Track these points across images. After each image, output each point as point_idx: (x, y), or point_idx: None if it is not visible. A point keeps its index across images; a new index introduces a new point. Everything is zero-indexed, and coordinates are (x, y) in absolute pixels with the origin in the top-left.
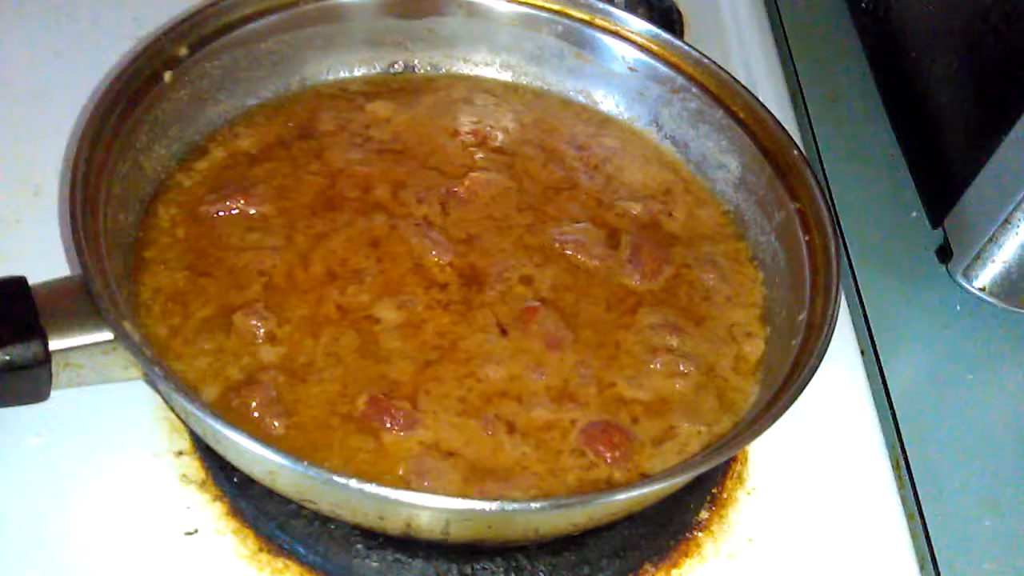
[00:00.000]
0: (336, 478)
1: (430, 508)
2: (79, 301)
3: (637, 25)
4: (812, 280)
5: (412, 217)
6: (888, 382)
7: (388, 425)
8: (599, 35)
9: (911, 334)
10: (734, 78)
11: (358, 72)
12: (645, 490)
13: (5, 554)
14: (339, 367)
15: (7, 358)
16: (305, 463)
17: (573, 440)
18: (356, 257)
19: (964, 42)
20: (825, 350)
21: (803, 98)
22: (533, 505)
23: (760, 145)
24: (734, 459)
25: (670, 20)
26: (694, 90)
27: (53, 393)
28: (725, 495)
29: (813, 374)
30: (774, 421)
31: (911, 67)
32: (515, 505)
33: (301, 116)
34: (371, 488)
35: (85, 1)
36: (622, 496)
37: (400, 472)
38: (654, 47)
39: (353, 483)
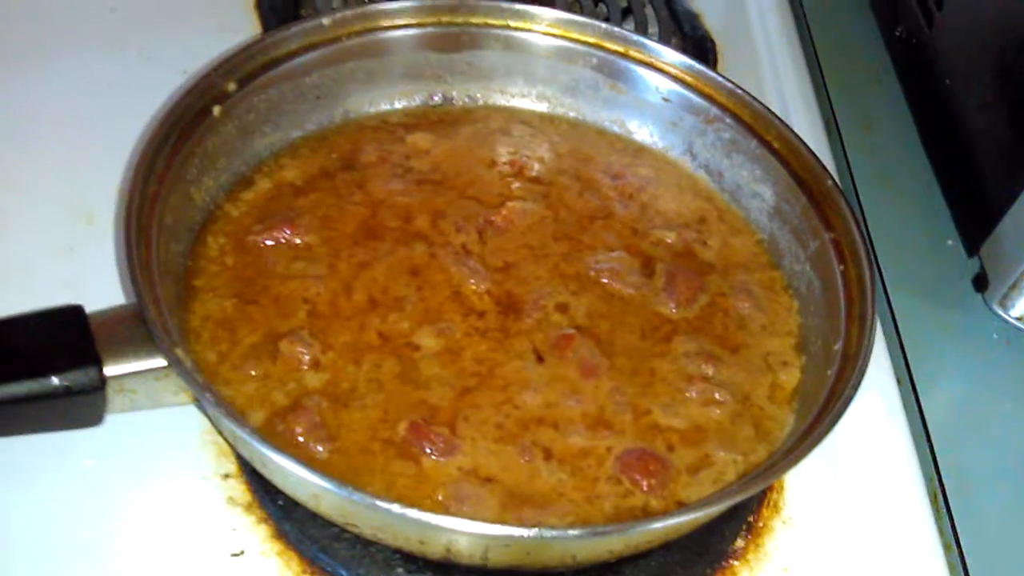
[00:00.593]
0: (379, 503)
1: (470, 534)
2: (133, 328)
3: (671, 57)
4: (847, 310)
5: (451, 246)
6: (925, 411)
7: (428, 451)
8: (633, 67)
9: (948, 363)
10: (768, 108)
11: (398, 104)
12: (681, 519)
13: (58, 573)
14: (380, 393)
15: (64, 383)
16: (349, 488)
17: (609, 467)
18: (397, 285)
19: (999, 70)
20: (860, 380)
21: (837, 126)
22: (570, 532)
23: (794, 174)
24: (770, 488)
25: (704, 49)
26: (728, 120)
27: (106, 417)
28: (761, 524)
29: (848, 404)
30: (809, 451)
31: (946, 95)
32: (553, 532)
33: (344, 148)
34: (413, 513)
35: (134, 35)
36: (659, 525)
37: (439, 497)
38: (688, 78)
39: (396, 508)
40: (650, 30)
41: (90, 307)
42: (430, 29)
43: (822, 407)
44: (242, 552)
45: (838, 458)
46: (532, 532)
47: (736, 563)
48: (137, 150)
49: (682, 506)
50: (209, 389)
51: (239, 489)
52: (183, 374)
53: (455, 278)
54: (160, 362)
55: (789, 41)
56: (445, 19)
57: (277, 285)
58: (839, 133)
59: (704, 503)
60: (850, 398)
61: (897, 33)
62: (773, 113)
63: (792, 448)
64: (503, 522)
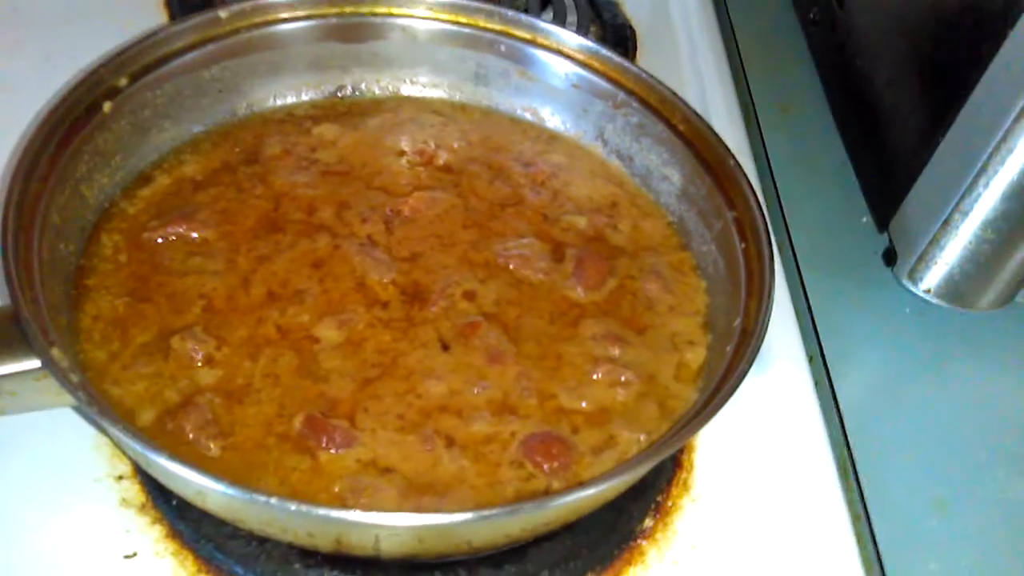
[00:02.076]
0: (256, 496)
1: (355, 523)
2: (9, 329)
3: (576, 42)
4: (748, 286)
5: (355, 237)
6: (836, 387)
7: (324, 444)
8: (541, 53)
9: (859, 338)
10: (672, 92)
11: (305, 97)
12: (569, 498)
13: None
14: (277, 388)
15: None
16: (225, 482)
17: (512, 452)
18: (298, 278)
19: (904, 50)
20: (756, 354)
21: (755, 110)
22: (455, 518)
23: (699, 156)
24: (679, 467)
25: (623, 37)
26: (635, 104)
27: None
28: (670, 503)
29: (743, 378)
30: (700, 427)
31: (857, 75)
32: (435, 519)
33: (247, 141)
34: (291, 505)
35: (36, 36)
36: (551, 504)
37: (336, 490)
38: (595, 63)
39: (273, 500)
40: (568, 19)
41: None
42: (332, 20)
43: (719, 382)
44: (135, 554)
45: (749, 436)
46: (406, 518)
47: (644, 543)
48: (19, 148)
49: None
50: (84, 388)
51: (132, 490)
52: (55, 374)
53: (359, 269)
54: (36, 363)
55: (708, 27)
56: (348, 9)
57: (172, 282)
58: (756, 117)
59: (595, 481)
60: (745, 371)
61: (811, 16)
62: (678, 96)
63: (685, 424)
64: (400, 511)
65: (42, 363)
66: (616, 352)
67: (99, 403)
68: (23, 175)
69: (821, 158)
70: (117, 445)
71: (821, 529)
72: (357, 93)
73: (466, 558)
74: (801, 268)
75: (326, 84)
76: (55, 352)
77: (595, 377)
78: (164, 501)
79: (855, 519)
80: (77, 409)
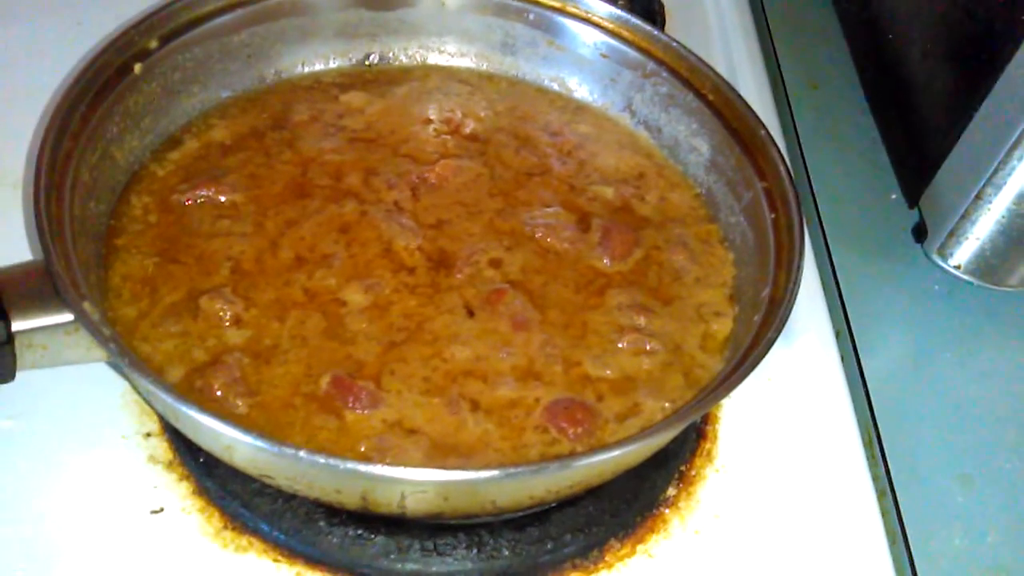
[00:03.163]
0: (285, 449)
1: (383, 477)
2: (41, 283)
3: (605, 10)
4: (777, 257)
5: (382, 203)
6: (863, 362)
7: (351, 404)
8: (569, 22)
9: (887, 314)
10: (702, 60)
11: (333, 64)
12: (593, 459)
13: None
14: (304, 349)
15: None
16: (254, 434)
17: (537, 417)
18: (325, 242)
19: (938, 24)
20: (784, 322)
21: (784, 85)
22: (481, 475)
23: (728, 126)
24: (703, 438)
25: (651, 10)
26: (664, 74)
27: (26, 376)
28: (693, 472)
29: (770, 346)
30: (726, 394)
31: (889, 51)
32: (462, 475)
33: (275, 107)
34: (319, 458)
35: (69, 2)
36: (576, 464)
37: (362, 449)
38: (624, 32)
39: (302, 453)
40: None
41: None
42: None
43: (746, 350)
44: (162, 509)
45: (774, 409)
46: (435, 474)
47: (667, 511)
48: (51, 107)
49: None
50: (115, 340)
51: (160, 447)
52: (87, 326)
53: (386, 235)
54: (68, 316)
55: (737, 2)
56: None
57: (201, 243)
58: (786, 92)
59: (619, 444)
60: (772, 340)
61: None
62: (708, 66)
63: (711, 391)
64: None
65: (74, 316)
66: (642, 321)
67: (130, 355)
68: (55, 133)
69: (850, 134)
70: (146, 400)
71: (845, 503)
72: (385, 61)
73: (489, 520)
74: (830, 244)
75: (354, 52)
76: (87, 305)
77: (620, 346)
78: (191, 458)
79: (880, 493)
80: (108, 364)
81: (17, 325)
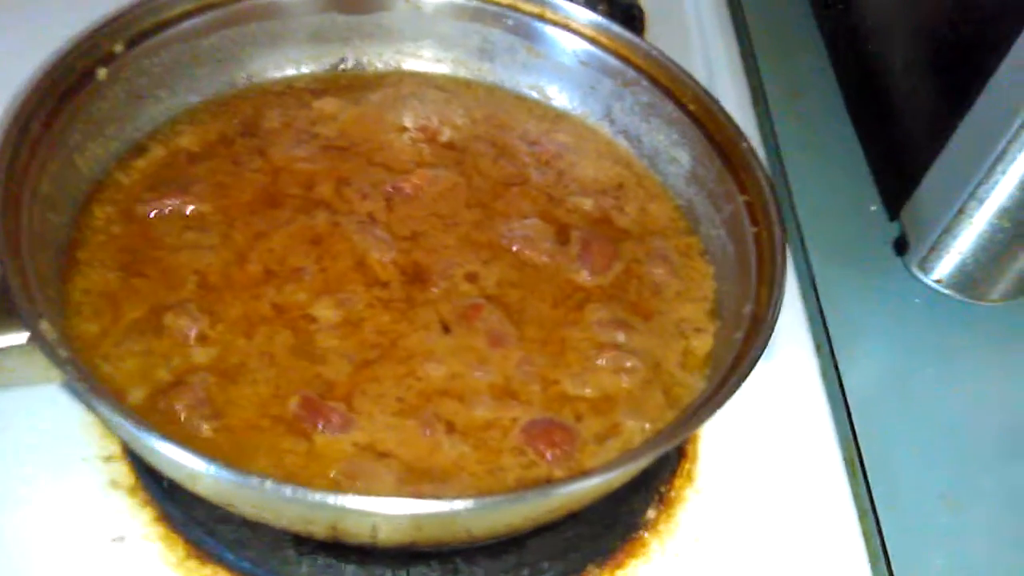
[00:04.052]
0: (250, 479)
1: (350, 509)
2: None
3: (586, 17)
4: (759, 272)
5: (355, 214)
6: (843, 377)
7: (320, 427)
8: (549, 28)
9: (868, 328)
10: (683, 70)
11: (306, 69)
12: (572, 487)
13: None
14: (272, 368)
15: None
16: (217, 463)
17: (514, 439)
18: (295, 255)
19: (920, 34)
20: (767, 341)
21: (764, 94)
22: (455, 505)
23: (710, 137)
24: (683, 457)
25: (631, 17)
26: (644, 83)
27: None
28: (673, 494)
29: (754, 366)
30: (711, 415)
31: (869, 61)
32: (435, 505)
33: (246, 113)
34: (286, 489)
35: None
36: (554, 492)
37: (332, 474)
38: (604, 40)
39: (268, 484)
40: None
41: None
42: None
43: (728, 370)
44: (123, 537)
45: (754, 426)
46: (410, 505)
47: (646, 534)
48: (8, 114)
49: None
50: (72, 362)
51: (122, 471)
52: (43, 348)
53: (359, 247)
54: (23, 337)
55: (717, 8)
56: None
57: (166, 256)
58: (766, 100)
59: (600, 470)
60: (756, 359)
61: None
62: (689, 75)
63: (694, 412)
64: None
65: (30, 336)
66: (621, 338)
67: (88, 379)
68: (13, 142)
69: (832, 144)
70: (106, 424)
71: (827, 522)
72: (359, 67)
73: (464, 547)
74: (810, 256)
75: (327, 57)
76: (43, 325)
77: (599, 363)
78: (154, 483)
79: (861, 512)
80: (66, 385)
81: None
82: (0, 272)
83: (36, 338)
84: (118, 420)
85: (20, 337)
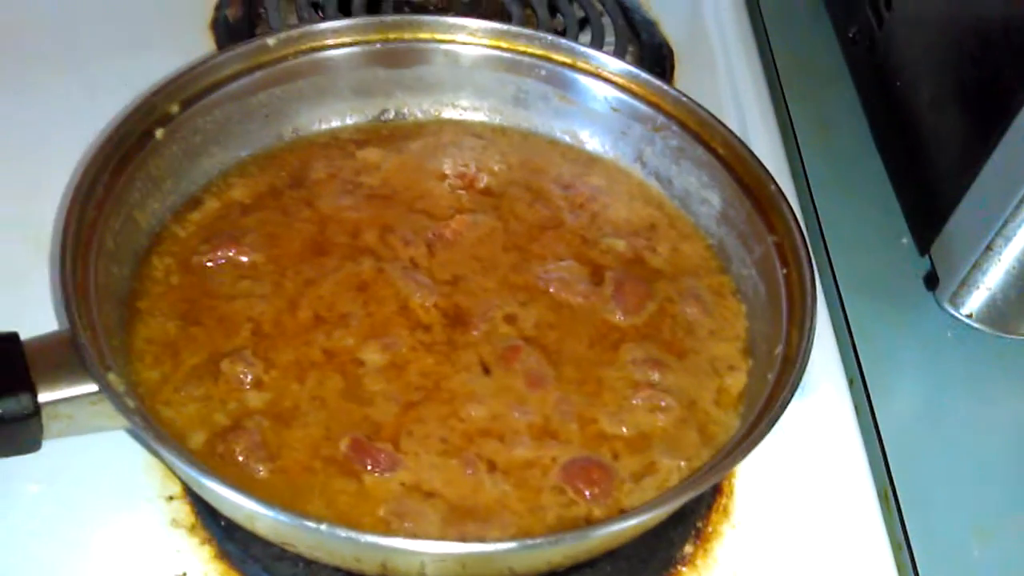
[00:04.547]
0: (306, 522)
1: (400, 550)
2: (68, 354)
3: (617, 66)
4: (789, 314)
5: (399, 260)
6: (876, 411)
7: (369, 467)
8: (581, 77)
9: (900, 363)
10: (712, 114)
11: (349, 121)
12: (612, 528)
13: None
14: (323, 411)
15: None
16: (276, 508)
17: (553, 477)
18: (343, 301)
19: (947, 69)
20: (798, 383)
21: (793, 130)
22: (499, 547)
23: (739, 180)
24: (719, 493)
25: (660, 57)
26: (674, 128)
27: (49, 442)
28: (710, 528)
29: (785, 408)
30: (743, 457)
31: (897, 96)
32: (480, 547)
33: (293, 165)
34: (340, 531)
35: (87, 59)
36: (594, 534)
37: (381, 513)
38: (635, 87)
39: (323, 527)
40: (607, 39)
41: (32, 333)
42: (377, 46)
43: (761, 411)
44: (184, 574)
45: (789, 461)
46: (457, 547)
47: (684, 569)
48: (76, 176)
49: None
50: (139, 413)
51: (183, 511)
52: (112, 398)
53: (402, 292)
54: (93, 387)
55: (746, 46)
56: (392, 35)
57: (222, 305)
58: (795, 137)
59: (638, 512)
60: (787, 401)
61: (850, 35)
62: (717, 119)
63: (727, 454)
64: (443, 537)
65: (99, 388)
66: (656, 377)
67: (154, 428)
68: (80, 202)
69: (861, 179)
70: (169, 468)
71: (862, 557)
72: (399, 117)
73: None
74: (841, 290)
75: (369, 108)
76: (111, 377)
77: (635, 402)
78: (213, 522)
79: (896, 547)
80: (131, 432)
81: (43, 396)
82: (71, 328)
83: (105, 390)
84: (182, 465)
85: (89, 388)
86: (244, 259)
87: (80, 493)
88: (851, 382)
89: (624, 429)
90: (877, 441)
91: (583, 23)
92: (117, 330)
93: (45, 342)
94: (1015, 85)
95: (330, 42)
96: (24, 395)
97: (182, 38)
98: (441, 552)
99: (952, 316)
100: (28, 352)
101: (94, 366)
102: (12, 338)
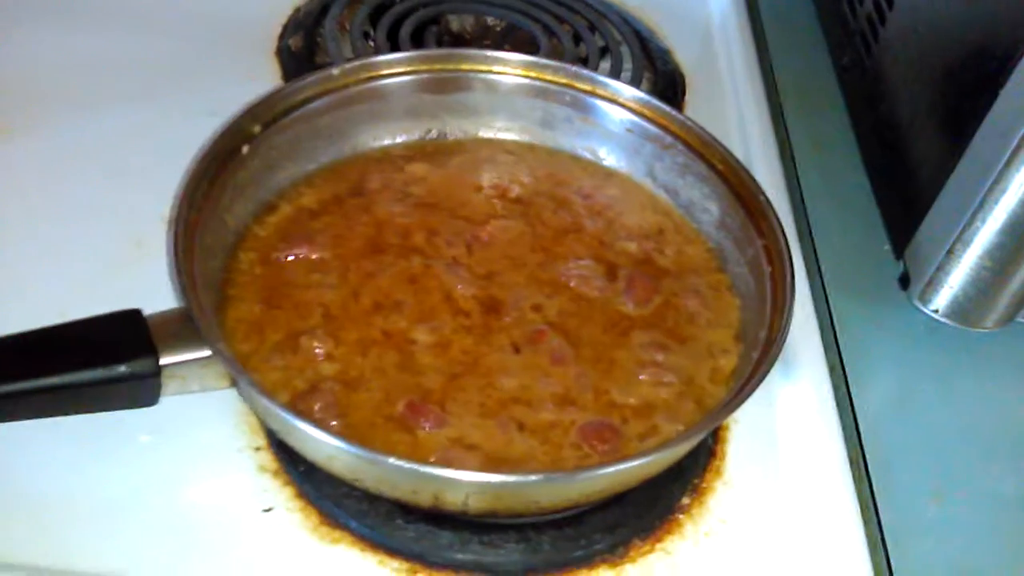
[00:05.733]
0: (378, 456)
1: (451, 479)
2: (182, 326)
3: (630, 93)
4: (772, 303)
5: (443, 258)
6: (853, 394)
7: (422, 424)
8: (600, 103)
9: (876, 352)
10: (712, 136)
11: (400, 139)
12: (619, 467)
13: (129, 528)
14: (383, 379)
15: (128, 370)
16: (357, 445)
17: (572, 436)
18: (397, 291)
19: (923, 96)
20: (775, 358)
21: (791, 148)
22: (528, 478)
23: (735, 192)
24: (714, 456)
25: (673, 83)
26: (680, 147)
27: (161, 400)
28: (705, 485)
29: (764, 377)
30: (728, 415)
31: (880, 120)
32: (513, 477)
33: (353, 177)
34: (406, 464)
35: (168, 86)
36: (601, 472)
37: (431, 460)
38: (646, 111)
39: (392, 460)
40: (625, 66)
41: (146, 311)
42: (425, 75)
43: (745, 381)
44: (271, 508)
45: (776, 433)
46: (497, 478)
47: (681, 516)
48: (182, 184)
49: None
50: (245, 373)
51: (268, 459)
52: (224, 361)
53: (446, 285)
54: (206, 352)
55: (751, 72)
56: (437, 66)
57: (297, 293)
58: (792, 154)
59: (637, 455)
60: (766, 372)
61: (844, 62)
62: (717, 140)
63: (716, 412)
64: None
65: (212, 352)
66: (660, 357)
67: (257, 383)
68: (186, 205)
69: (849, 193)
70: (262, 418)
71: (834, 513)
72: (441, 136)
73: (535, 520)
74: (827, 289)
75: (417, 128)
76: (221, 343)
77: (642, 378)
78: (293, 468)
79: (863, 506)
80: (228, 392)
81: (164, 360)
82: (185, 305)
83: (217, 353)
84: (280, 412)
85: (203, 352)
86: (314, 256)
87: (184, 444)
88: (832, 369)
89: (632, 399)
90: (852, 418)
91: (603, 51)
92: (213, 312)
93: (164, 316)
94: (974, 111)
95: (385, 72)
96: (149, 358)
97: (251, 65)
98: (483, 481)
99: (921, 312)
100: (150, 324)
101: (208, 333)
102: (137, 313)
